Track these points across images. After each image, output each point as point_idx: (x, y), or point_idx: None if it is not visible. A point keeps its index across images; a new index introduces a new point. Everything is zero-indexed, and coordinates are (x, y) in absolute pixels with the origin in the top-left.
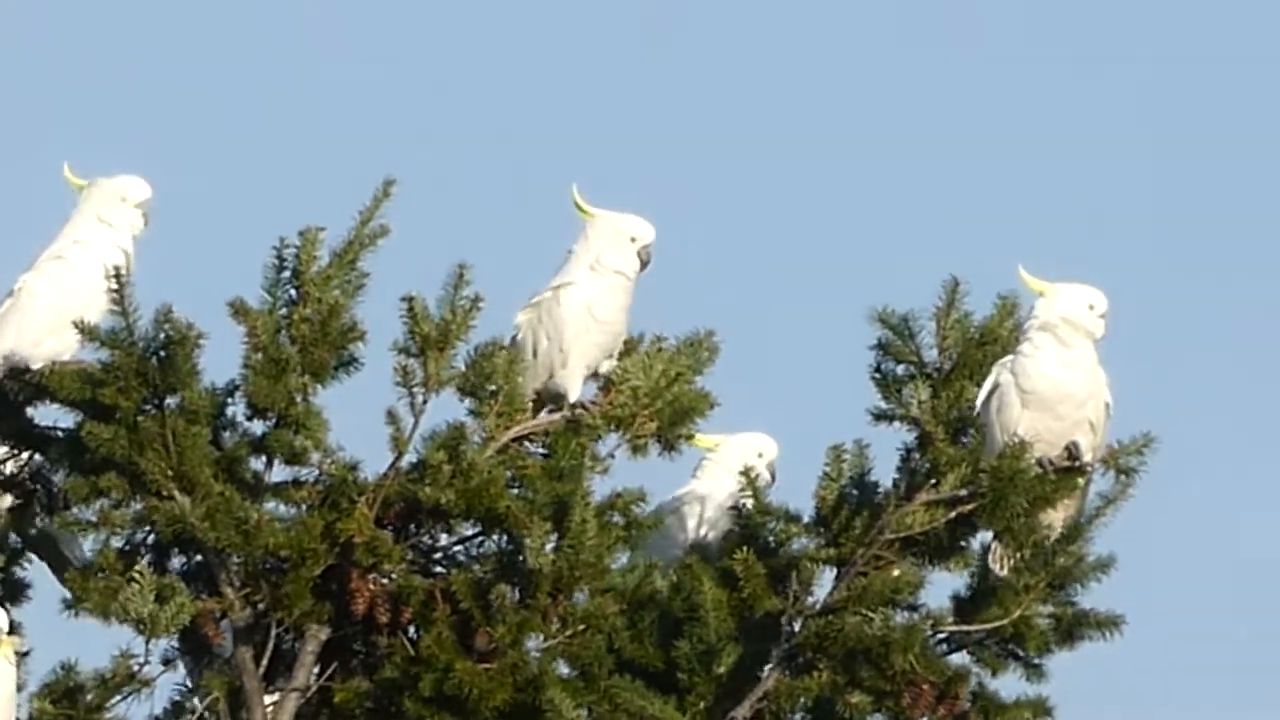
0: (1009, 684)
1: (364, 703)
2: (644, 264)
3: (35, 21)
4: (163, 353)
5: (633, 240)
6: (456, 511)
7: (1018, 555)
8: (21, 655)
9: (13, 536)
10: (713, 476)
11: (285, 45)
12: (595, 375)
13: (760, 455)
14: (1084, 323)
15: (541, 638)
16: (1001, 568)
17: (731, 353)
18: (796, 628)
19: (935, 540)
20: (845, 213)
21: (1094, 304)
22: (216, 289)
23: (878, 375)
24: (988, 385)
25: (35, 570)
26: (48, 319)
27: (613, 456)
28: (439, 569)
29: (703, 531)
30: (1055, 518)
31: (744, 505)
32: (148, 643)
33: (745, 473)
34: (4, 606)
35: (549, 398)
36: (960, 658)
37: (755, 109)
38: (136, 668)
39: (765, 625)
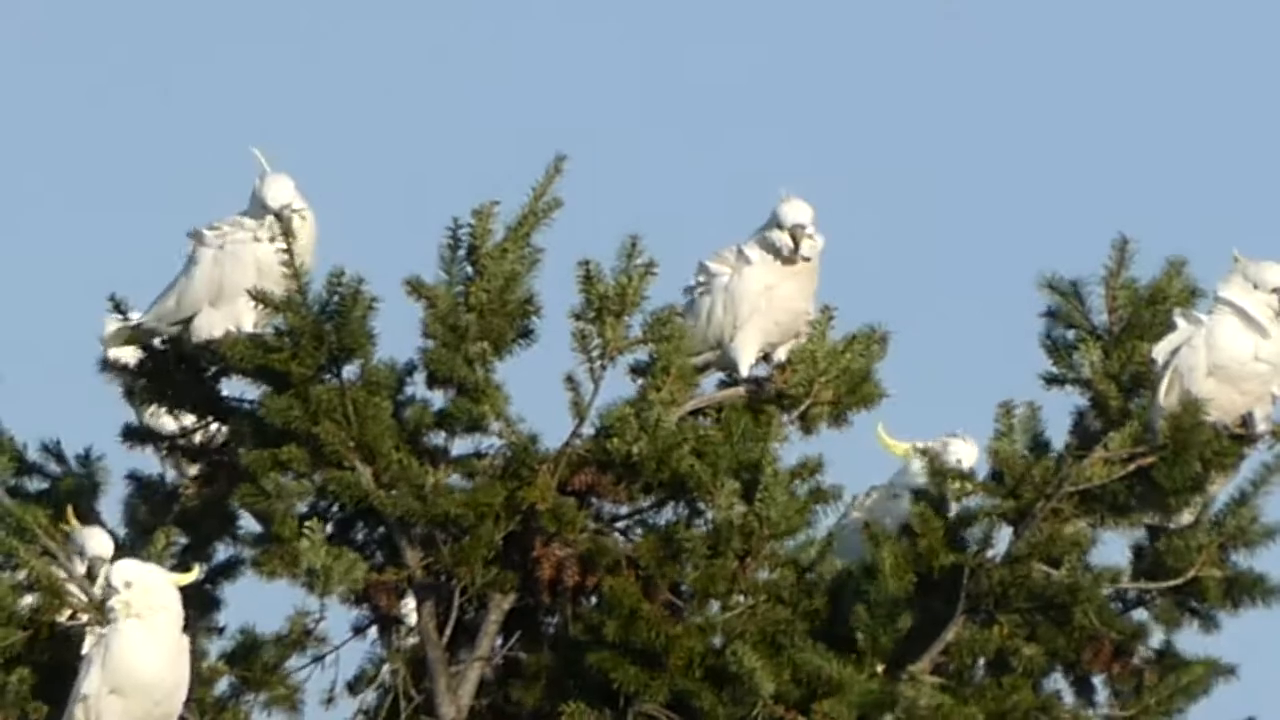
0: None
1: (550, 671)
2: (796, 243)
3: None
4: (337, 315)
5: (779, 227)
6: (647, 466)
7: (1180, 518)
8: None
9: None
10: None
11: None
12: (768, 358)
13: (959, 462)
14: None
15: (731, 598)
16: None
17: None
18: (977, 583)
19: (1112, 497)
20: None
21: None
22: (380, 284)
23: (1048, 342)
24: (1174, 339)
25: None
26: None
27: (793, 424)
28: (621, 538)
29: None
30: (1214, 485)
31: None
32: (321, 597)
33: (923, 450)
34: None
35: (722, 367)
36: (1138, 615)
37: (914, 84)
38: (312, 625)
39: (943, 582)
